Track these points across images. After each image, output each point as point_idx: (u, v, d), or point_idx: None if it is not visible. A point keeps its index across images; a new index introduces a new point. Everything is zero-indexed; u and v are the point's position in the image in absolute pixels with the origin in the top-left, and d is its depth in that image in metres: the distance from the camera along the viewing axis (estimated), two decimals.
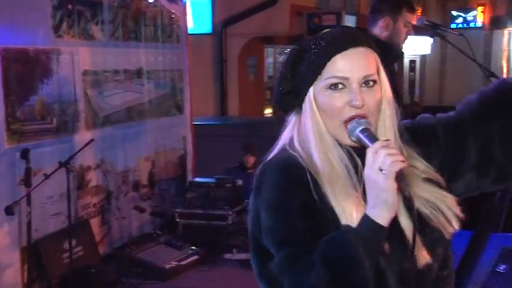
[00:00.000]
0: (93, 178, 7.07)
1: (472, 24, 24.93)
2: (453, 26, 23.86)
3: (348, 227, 1.78)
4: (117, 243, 7.47)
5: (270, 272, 1.89)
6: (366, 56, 1.90)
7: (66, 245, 6.15)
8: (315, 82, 1.90)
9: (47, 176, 5.91)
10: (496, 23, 24.97)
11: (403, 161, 1.72)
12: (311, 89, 1.91)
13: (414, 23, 4.83)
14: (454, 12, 25.16)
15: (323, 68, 1.88)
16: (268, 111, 14.34)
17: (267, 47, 14.16)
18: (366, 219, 1.76)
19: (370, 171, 1.76)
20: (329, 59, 1.87)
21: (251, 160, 8.82)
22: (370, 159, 1.76)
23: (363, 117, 1.84)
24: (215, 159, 9.09)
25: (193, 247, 7.40)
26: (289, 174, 1.88)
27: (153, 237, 7.69)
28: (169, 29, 8.57)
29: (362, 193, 1.85)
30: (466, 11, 25.33)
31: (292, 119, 2.01)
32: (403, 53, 4.73)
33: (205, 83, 11.94)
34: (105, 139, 7.23)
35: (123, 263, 6.97)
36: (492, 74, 5.30)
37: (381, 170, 1.72)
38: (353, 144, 1.89)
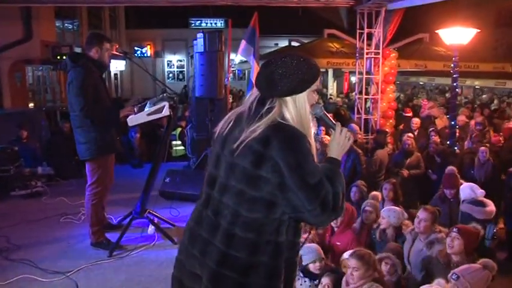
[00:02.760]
0: None
1: (145, 54, 25.27)
2: (136, 54, 24.21)
3: (328, 164, 2.01)
4: None
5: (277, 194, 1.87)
6: None
7: None
8: (310, 87, 1.97)
9: None
10: (156, 54, 25.69)
11: None
12: (307, 90, 1.96)
13: (114, 52, 4.91)
14: (136, 48, 25.13)
15: (317, 79, 1.99)
16: (31, 105, 13.16)
17: (27, 66, 12.96)
18: (334, 159, 2.04)
19: (340, 137, 2.06)
20: (319, 75, 2.01)
21: (24, 133, 8.19)
22: (339, 131, 2.07)
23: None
24: None
25: None
26: (307, 140, 1.89)
27: None
28: None
29: None
30: (142, 46, 25.43)
31: (274, 102, 1.93)
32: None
33: None
34: None
35: None
36: (155, 79, 5.64)
37: (346, 138, 2.06)
38: None
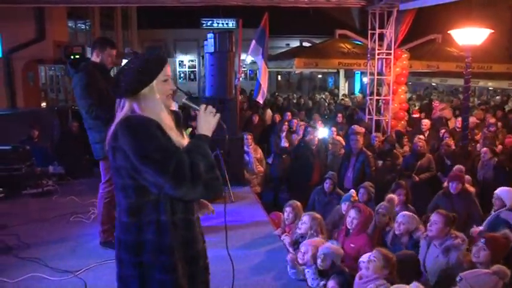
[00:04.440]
0: None
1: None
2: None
3: (194, 141, 2.15)
4: None
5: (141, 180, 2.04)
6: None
7: None
8: (156, 79, 2.13)
9: None
10: (168, 54, 25.63)
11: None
12: (154, 82, 2.13)
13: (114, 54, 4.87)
14: (148, 48, 25.20)
15: (161, 71, 2.14)
16: (43, 104, 13.23)
17: (40, 65, 13.09)
18: (202, 135, 2.17)
19: (205, 114, 2.19)
20: (163, 66, 2.16)
21: (35, 133, 8.25)
22: (203, 109, 2.20)
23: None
24: (7, 133, 8.23)
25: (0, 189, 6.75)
26: (153, 124, 2.05)
27: None
28: None
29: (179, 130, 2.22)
30: (154, 46, 25.34)
31: (125, 101, 2.14)
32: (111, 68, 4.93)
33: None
34: None
35: None
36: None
37: (211, 114, 2.18)
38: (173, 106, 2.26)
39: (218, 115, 2.23)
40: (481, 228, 4.76)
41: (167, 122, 2.14)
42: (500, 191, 4.95)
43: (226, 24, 24.91)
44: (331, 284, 3.30)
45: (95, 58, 4.64)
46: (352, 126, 7.72)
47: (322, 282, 3.51)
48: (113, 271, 4.24)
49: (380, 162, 7.20)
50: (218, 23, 25.45)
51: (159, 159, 1.99)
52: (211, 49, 6.90)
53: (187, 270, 2.18)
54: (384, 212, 4.67)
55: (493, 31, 8.27)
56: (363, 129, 7.58)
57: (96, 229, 4.95)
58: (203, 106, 2.22)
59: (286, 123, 9.04)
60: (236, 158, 6.74)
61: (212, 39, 6.93)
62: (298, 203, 5.18)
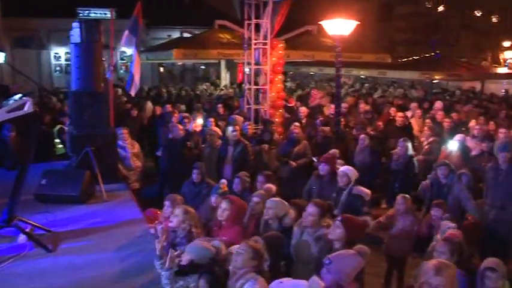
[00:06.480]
0: None
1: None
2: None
3: None
4: None
5: None
6: None
7: None
8: None
9: None
10: (41, 46, 23.95)
11: None
12: None
13: None
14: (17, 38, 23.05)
15: None
16: None
17: None
18: None
19: None
20: None
21: None
22: None
23: None
24: None
25: None
26: None
27: None
28: None
29: None
30: (23, 36, 23.40)
31: None
32: None
33: None
34: None
35: None
36: (20, 72, 5.08)
37: None
38: None
39: None
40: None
41: None
42: (345, 168, 5.46)
43: (105, 14, 23.66)
44: (201, 283, 3.20)
45: None
46: (231, 116, 7.71)
47: (180, 283, 3.35)
48: None
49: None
50: (96, 13, 24.10)
51: None
52: (77, 39, 6.44)
53: None
54: (257, 200, 4.68)
55: (359, 23, 8.74)
56: (241, 119, 7.59)
57: None
58: None
59: (175, 114, 8.84)
60: (108, 154, 6.33)
61: (78, 29, 6.47)
62: (178, 196, 5.00)
